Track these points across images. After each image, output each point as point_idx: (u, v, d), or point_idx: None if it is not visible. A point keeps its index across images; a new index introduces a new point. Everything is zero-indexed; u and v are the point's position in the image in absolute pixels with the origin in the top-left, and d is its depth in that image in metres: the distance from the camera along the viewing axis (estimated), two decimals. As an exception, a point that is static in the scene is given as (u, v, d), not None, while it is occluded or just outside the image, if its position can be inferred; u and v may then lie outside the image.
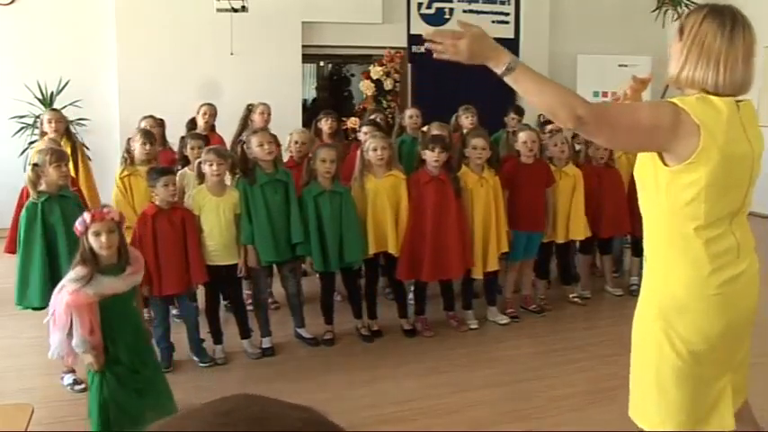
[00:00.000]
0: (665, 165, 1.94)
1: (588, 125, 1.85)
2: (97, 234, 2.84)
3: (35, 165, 3.66)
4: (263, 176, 4.19)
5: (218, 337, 4.21)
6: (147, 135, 4.66)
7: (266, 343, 4.32)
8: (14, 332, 4.55)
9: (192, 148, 4.63)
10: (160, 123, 5.32)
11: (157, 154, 4.77)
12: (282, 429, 0.58)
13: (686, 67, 1.96)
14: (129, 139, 4.73)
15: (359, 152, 4.54)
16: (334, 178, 4.29)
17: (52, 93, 6.95)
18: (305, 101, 8.63)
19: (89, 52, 7.22)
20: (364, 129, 5.36)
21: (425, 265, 4.42)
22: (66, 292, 2.83)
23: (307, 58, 8.15)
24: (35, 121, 6.90)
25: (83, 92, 6.91)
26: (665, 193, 1.97)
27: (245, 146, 4.27)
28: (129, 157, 4.58)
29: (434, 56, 1.89)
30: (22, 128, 6.88)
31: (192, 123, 5.66)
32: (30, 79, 6.88)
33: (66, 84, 6.93)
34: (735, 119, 1.94)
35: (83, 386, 3.68)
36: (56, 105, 6.91)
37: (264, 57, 7.44)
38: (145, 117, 5.30)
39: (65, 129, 5.29)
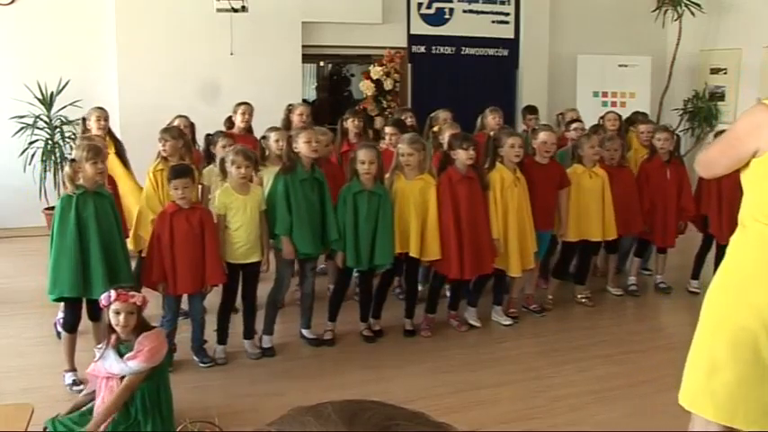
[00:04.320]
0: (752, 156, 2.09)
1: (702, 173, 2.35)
2: (117, 313, 3.07)
3: (72, 160, 3.71)
4: (303, 173, 4.22)
5: (223, 337, 4.21)
6: (167, 131, 4.66)
7: (266, 342, 4.32)
8: (15, 332, 4.56)
9: (224, 146, 4.66)
10: (190, 124, 5.31)
11: (183, 151, 4.64)
12: None
13: None
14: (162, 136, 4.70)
15: (395, 152, 4.55)
16: (375, 178, 4.31)
17: (52, 93, 6.94)
18: (305, 101, 8.62)
19: (89, 52, 7.21)
20: (387, 129, 5.37)
21: (466, 262, 4.42)
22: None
23: (307, 58, 8.15)
24: (35, 121, 6.90)
25: (83, 92, 6.89)
26: (746, 181, 2.13)
27: (291, 141, 4.29)
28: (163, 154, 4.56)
29: None
30: (22, 128, 6.87)
31: (229, 122, 5.64)
32: (30, 79, 6.87)
33: (67, 84, 6.92)
34: None
35: (82, 386, 3.69)
36: (56, 105, 6.92)
37: (264, 57, 7.44)
38: (178, 116, 5.27)
39: (108, 128, 5.25)
